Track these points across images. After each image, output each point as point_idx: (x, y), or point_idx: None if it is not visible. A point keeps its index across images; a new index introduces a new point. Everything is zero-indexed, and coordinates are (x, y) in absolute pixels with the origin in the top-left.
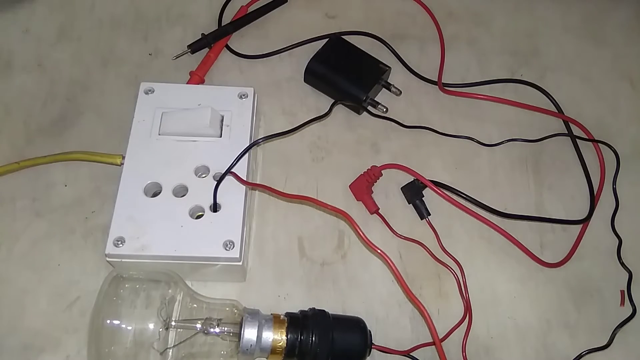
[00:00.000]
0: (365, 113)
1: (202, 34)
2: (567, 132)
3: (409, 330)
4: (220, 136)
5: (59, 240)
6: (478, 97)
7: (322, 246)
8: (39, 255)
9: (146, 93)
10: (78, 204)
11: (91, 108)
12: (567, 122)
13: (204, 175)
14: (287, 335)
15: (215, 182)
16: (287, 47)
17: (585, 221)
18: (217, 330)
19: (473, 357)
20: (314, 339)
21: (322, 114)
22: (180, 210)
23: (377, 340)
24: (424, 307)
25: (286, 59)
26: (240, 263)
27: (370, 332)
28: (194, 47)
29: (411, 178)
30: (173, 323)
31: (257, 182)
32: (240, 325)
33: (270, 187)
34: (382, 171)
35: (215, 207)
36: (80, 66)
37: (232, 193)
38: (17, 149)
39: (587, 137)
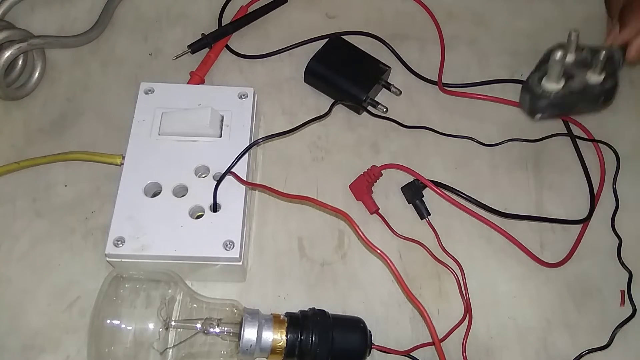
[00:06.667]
0: (365, 113)
1: (202, 34)
2: (567, 132)
3: (409, 330)
4: (220, 136)
5: (59, 240)
6: (478, 97)
7: (322, 246)
8: (39, 255)
9: (146, 93)
10: (78, 204)
11: (91, 108)
12: (567, 122)
13: (204, 175)
14: (287, 335)
15: (215, 182)
16: (287, 47)
17: (585, 221)
18: (217, 330)
19: (473, 357)
20: (314, 339)
21: (322, 114)
22: (180, 210)
23: (377, 340)
24: (423, 307)
25: (286, 59)
26: (240, 263)
27: (370, 332)
28: (194, 47)
29: (411, 178)
30: (173, 323)
31: (257, 182)
32: (240, 325)
33: (270, 187)
34: (382, 171)
35: (215, 207)
36: (80, 66)
37: (232, 193)
38: (17, 149)
39: (587, 137)
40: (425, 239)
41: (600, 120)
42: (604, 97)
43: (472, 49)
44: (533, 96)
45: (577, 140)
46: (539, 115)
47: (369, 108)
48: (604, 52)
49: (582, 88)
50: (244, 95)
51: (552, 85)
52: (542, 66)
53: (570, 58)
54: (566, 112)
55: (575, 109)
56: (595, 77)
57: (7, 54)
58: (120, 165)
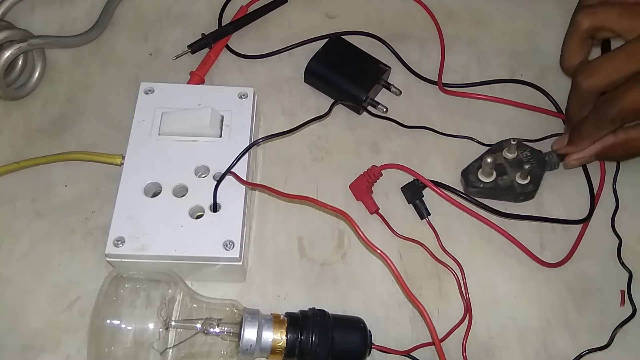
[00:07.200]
0: (365, 113)
1: (202, 34)
2: None
3: (409, 330)
4: (220, 136)
5: (59, 240)
6: (478, 97)
7: (322, 246)
8: (39, 255)
9: (146, 93)
10: (78, 204)
11: (91, 108)
12: None
13: (204, 175)
14: (287, 335)
15: (215, 182)
16: (287, 47)
17: (585, 221)
18: (217, 330)
19: (473, 357)
20: (314, 339)
21: (322, 114)
22: (180, 210)
23: (377, 340)
24: (423, 307)
25: (286, 59)
26: (240, 263)
27: (370, 332)
28: (194, 47)
29: (411, 178)
30: (173, 323)
31: (257, 182)
32: (240, 325)
33: (270, 187)
34: (382, 171)
35: (215, 207)
36: (80, 66)
37: (232, 193)
38: (17, 149)
39: None
40: (425, 239)
41: None
42: (522, 197)
43: (472, 49)
44: (467, 181)
45: None
46: (470, 195)
47: (369, 108)
48: (527, 166)
49: (507, 186)
50: (244, 95)
51: (484, 177)
52: (485, 156)
53: (510, 155)
54: (493, 198)
55: (501, 198)
56: (520, 180)
57: (7, 54)
58: (120, 165)
